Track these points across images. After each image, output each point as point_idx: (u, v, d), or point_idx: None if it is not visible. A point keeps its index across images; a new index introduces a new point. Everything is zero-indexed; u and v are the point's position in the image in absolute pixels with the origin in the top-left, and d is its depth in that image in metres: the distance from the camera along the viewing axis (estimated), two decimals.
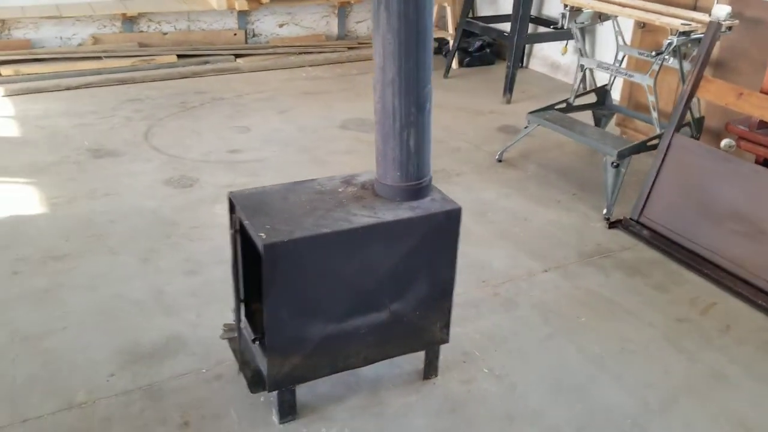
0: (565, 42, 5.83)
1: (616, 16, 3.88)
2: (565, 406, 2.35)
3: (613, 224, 3.52)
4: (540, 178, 4.11)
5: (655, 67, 3.57)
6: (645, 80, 3.65)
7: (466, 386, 2.43)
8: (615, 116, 4.59)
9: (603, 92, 4.32)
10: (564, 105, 4.23)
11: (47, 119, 4.81)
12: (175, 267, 3.08)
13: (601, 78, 4.60)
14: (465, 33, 6.02)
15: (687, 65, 3.48)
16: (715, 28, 3.18)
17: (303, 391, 2.34)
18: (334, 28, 6.89)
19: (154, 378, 2.40)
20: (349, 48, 6.72)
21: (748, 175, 3.00)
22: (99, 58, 5.79)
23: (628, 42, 4.48)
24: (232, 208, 2.15)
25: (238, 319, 2.07)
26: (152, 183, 3.91)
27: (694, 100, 3.42)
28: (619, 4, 3.86)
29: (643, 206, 3.42)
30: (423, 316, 2.27)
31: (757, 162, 3.12)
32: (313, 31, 6.82)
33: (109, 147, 4.38)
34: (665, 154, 3.34)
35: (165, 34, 6.17)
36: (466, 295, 2.94)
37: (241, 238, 2.10)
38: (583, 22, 4.02)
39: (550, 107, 4.19)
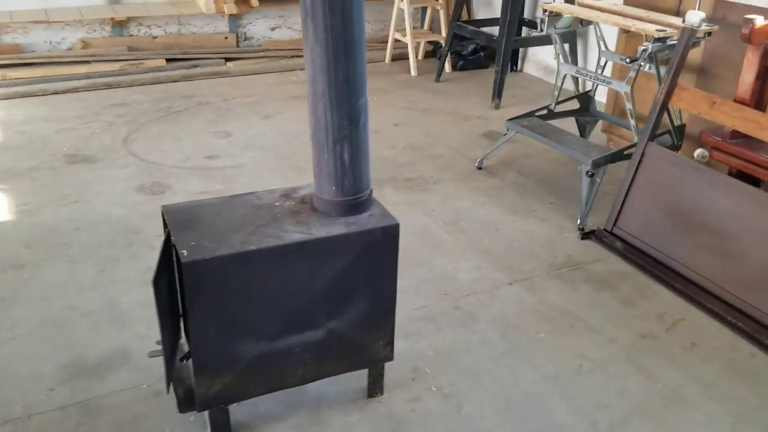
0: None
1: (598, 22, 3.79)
2: (510, 428, 2.27)
3: (586, 235, 3.43)
4: (518, 187, 4.03)
5: (632, 74, 3.47)
6: (622, 87, 3.55)
7: (411, 405, 2.36)
8: (601, 123, 4.49)
9: (586, 98, 4.23)
10: (545, 111, 4.14)
11: (29, 124, 4.81)
12: (134, 277, 3.04)
13: (591, 84, 4.50)
14: (459, 37, 5.94)
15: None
16: (688, 34, 3.08)
17: (242, 409, 2.29)
18: None
19: (94, 393, 2.36)
20: None
21: (720, 187, 2.90)
22: (87, 62, 5.79)
23: (613, 47, 4.39)
24: (165, 223, 2.10)
25: (163, 337, 2.01)
26: (124, 190, 3.88)
27: (676, 107, 3.32)
28: (599, 9, 3.76)
29: (617, 217, 3.32)
30: (364, 334, 2.21)
31: (730, 173, 3.02)
32: (301, 36, 6.75)
33: (87, 153, 4.36)
34: (639, 164, 3.24)
35: (155, 37, 6.16)
36: (427, 309, 2.87)
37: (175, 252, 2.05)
38: (563, 28, 3.93)
39: (531, 114, 4.11)
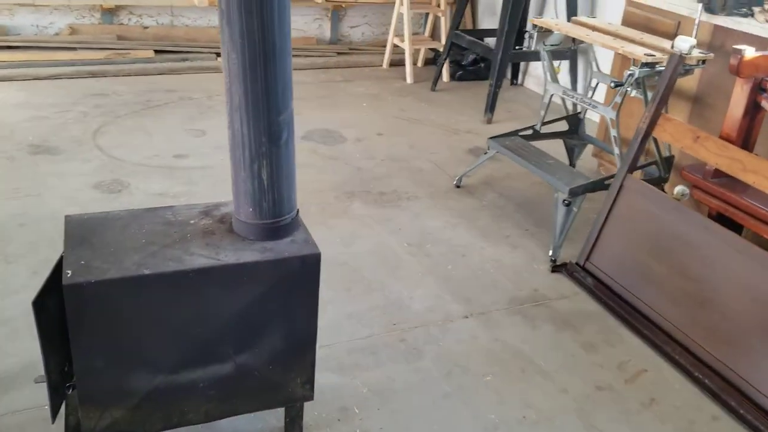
0: (558, 62, 5.49)
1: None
2: None
3: (557, 268, 3.21)
4: (496, 209, 3.81)
5: (618, 99, 3.24)
6: (608, 113, 3.32)
7: None
8: (592, 147, 4.26)
9: (576, 120, 4.00)
10: (530, 132, 3.92)
11: (1, 110, 4.66)
12: None
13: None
14: (460, 46, 5.72)
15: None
16: (676, 61, 2.85)
17: None
18: (326, 32, 6.66)
19: None
20: (339, 53, 6.47)
21: (698, 229, 2.67)
22: (73, 48, 5.65)
23: (609, 68, 4.16)
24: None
25: (47, 363, 1.83)
26: (81, 186, 3.71)
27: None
28: (591, 28, 3.54)
29: (590, 251, 3.10)
30: (278, 371, 2.01)
31: (710, 215, 2.79)
32: (304, 34, 6.59)
33: (52, 143, 4.20)
34: (616, 196, 3.02)
35: (146, 28, 6.00)
36: (370, 339, 2.67)
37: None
38: (553, 45, 3.70)
39: (514, 133, 3.89)
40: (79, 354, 1.76)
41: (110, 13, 5.85)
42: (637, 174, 3.24)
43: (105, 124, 4.59)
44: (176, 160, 4.13)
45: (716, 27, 3.34)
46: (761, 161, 2.51)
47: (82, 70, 5.48)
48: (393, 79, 6.10)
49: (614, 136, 3.31)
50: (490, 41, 5.37)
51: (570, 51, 4.83)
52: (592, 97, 3.66)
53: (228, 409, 2.03)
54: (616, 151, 3.33)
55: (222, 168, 4.05)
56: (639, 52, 3.03)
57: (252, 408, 2.07)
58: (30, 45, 5.54)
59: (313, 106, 5.24)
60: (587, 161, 4.39)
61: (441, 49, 6.14)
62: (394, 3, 6.14)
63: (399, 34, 6.17)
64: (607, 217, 3.04)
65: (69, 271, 1.70)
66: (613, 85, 3.21)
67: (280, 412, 2.17)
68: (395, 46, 6.27)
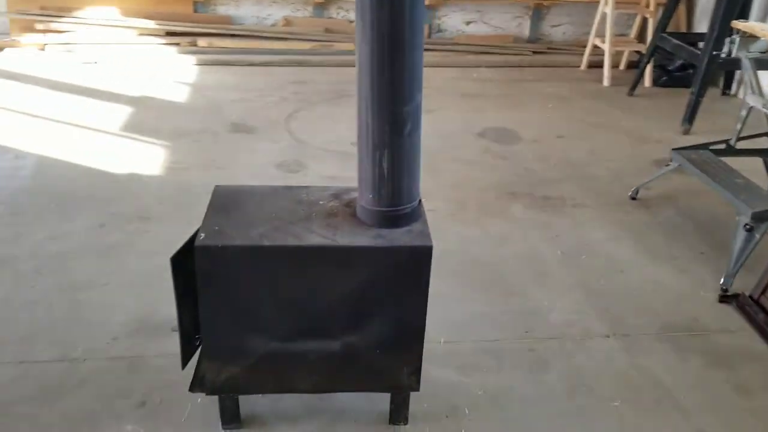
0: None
1: None
2: None
3: (726, 298, 2.87)
4: (671, 227, 3.50)
5: None
6: None
7: None
8: None
9: None
10: (723, 146, 3.54)
11: (214, 90, 5.23)
12: None
13: None
14: (666, 50, 5.30)
15: None
16: None
17: (264, 402, 2.27)
18: (525, 30, 6.54)
19: (145, 351, 2.48)
20: (535, 52, 6.33)
21: None
22: (285, 39, 6.14)
23: None
24: None
25: (181, 316, 2.03)
26: (266, 163, 4.05)
27: None
28: None
29: (767, 285, 2.73)
30: (385, 357, 2.05)
31: None
32: (502, 32, 6.53)
33: (250, 123, 4.63)
34: None
35: (351, 22, 6.34)
36: (498, 343, 2.61)
37: None
38: (758, 52, 3.30)
39: (705, 146, 3.54)
40: (205, 310, 1.95)
41: (321, 6, 6.27)
42: None
43: (299, 109, 4.94)
44: (352, 147, 4.30)
45: None
46: None
47: (290, 59, 5.95)
48: (588, 82, 5.83)
49: None
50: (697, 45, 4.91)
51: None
52: None
53: (335, 385, 2.12)
54: None
55: None
56: None
57: (357, 388, 2.14)
58: (248, 34, 6.12)
59: (495, 104, 5.19)
60: None
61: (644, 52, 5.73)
62: (599, 2, 5.85)
63: (601, 35, 5.87)
64: None
65: (203, 235, 1.89)
66: None
67: (389, 397, 2.21)
68: (595, 47, 5.97)
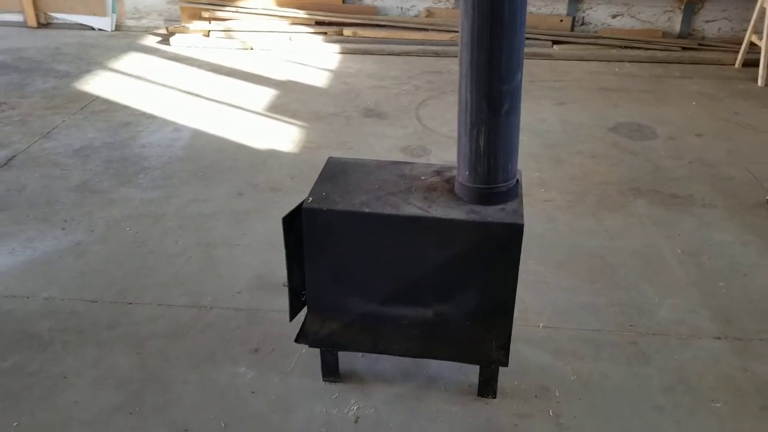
0: None
1: None
2: None
3: None
4: None
5: None
6: None
7: (516, 420, 2.21)
8: None
9: None
10: None
11: (354, 77, 5.50)
12: None
13: None
14: None
15: None
16: None
17: (363, 362, 2.43)
18: (676, 25, 6.24)
19: (264, 305, 2.73)
20: (685, 48, 6.02)
21: None
22: (425, 29, 6.30)
23: None
24: None
25: (290, 271, 2.23)
26: (391, 147, 4.23)
27: None
28: None
29: None
30: (475, 329, 2.14)
31: None
32: (651, 26, 6.28)
33: (382, 109, 4.83)
34: None
35: None
36: (598, 333, 2.60)
37: None
38: None
39: None
40: (310, 268, 2.14)
41: None
42: None
43: (430, 98, 5.08)
44: None
45: None
46: None
47: (428, 50, 6.11)
48: (739, 81, 5.47)
49: None
50: None
51: None
52: None
53: (426, 351, 2.24)
54: None
55: None
56: None
57: (448, 357, 2.24)
58: (392, 24, 6.34)
59: (633, 100, 5.03)
60: None
61: None
62: None
63: (759, 32, 5.48)
64: None
65: (311, 198, 2.08)
66: None
67: (479, 370, 2.30)
68: (752, 44, 5.58)
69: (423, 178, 2.20)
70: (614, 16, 6.30)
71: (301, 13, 6.36)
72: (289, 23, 6.40)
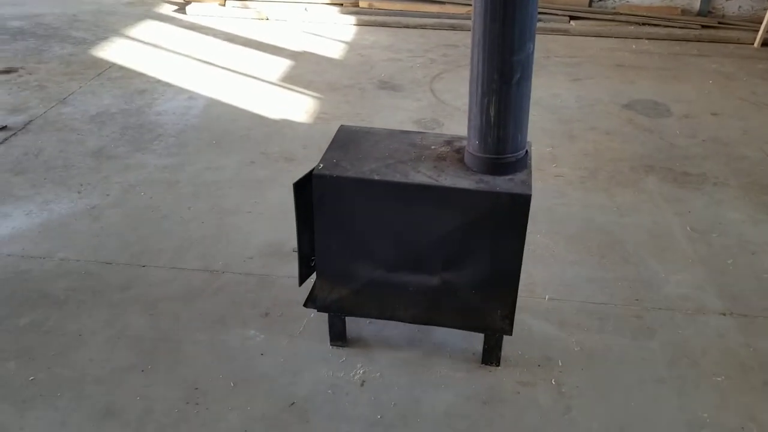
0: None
1: None
2: None
3: None
4: None
5: None
6: None
7: (518, 388, 2.25)
8: None
9: None
10: None
11: (369, 50, 5.48)
12: None
13: None
14: None
15: None
16: None
17: (370, 328, 2.48)
18: (695, 3, 6.15)
19: (274, 272, 2.78)
20: (704, 26, 5.94)
21: None
22: (442, 2, 6.25)
23: None
24: None
25: (300, 237, 2.26)
26: (405, 119, 4.24)
27: None
28: None
29: None
30: (480, 297, 2.17)
31: None
32: (671, 3, 6.19)
33: (397, 82, 4.83)
34: None
35: None
36: (604, 307, 2.62)
37: None
38: None
39: None
40: (319, 234, 2.17)
41: None
42: None
43: (444, 71, 5.07)
44: None
45: None
46: None
47: (444, 23, 6.07)
48: (758, 60, 5.40)
49: None
50: None
51: None
52: None
53: (432, 318, 2.27)
54: None
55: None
56: None
57: (453, 324, 2.28)
58: None
59: (649, 77, 4.98)
60: None
61: None
62: None
63: None
64: None
65: (321, 165, 2.10)
66: None
67: (483, 338, 2.33)
68: None
69: (433, 147, 2.22)
70: None
71: None
72: None
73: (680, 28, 5.93)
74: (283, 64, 5.12)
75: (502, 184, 2.02)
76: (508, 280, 2.13)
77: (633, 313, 2.59)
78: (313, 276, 2.33)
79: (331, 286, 2.26)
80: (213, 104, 4.38)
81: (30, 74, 4.79)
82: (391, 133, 2.32)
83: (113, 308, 2.56)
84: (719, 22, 5.99)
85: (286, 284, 2.70)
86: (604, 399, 2.21)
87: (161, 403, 2.16)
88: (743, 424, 2.12)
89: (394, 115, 4.29)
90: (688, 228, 3.13)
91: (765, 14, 5.63)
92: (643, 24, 5.99)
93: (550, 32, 5.94)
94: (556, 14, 6.10)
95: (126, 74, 4.85)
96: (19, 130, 3.95)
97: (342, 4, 6.28)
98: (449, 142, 2.26)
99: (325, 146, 2.27)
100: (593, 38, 5.89)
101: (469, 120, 2.07)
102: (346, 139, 2.27)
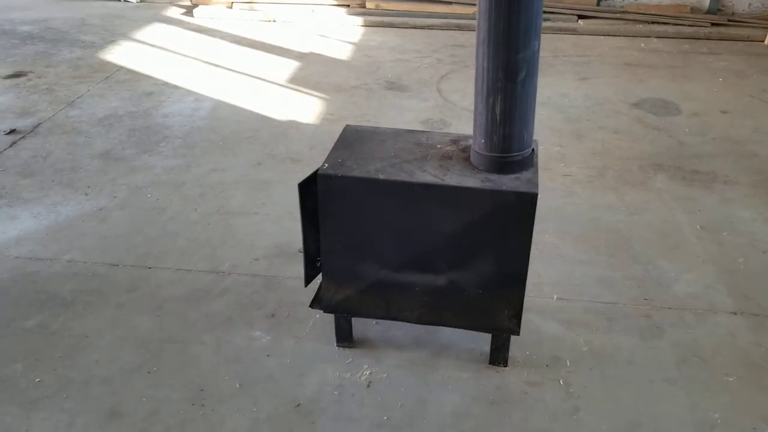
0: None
1: None
2: None
3: None
4: None
5: None
6: None
7: (526, 388, 2.23)
8: None
9: None
10: None
11: (376, 50, 5.47)
12: None
13: None
14: None
15: None
16: None
17: (376, 329, 2.46)
18: (705, 0, 6.10)
19: (281, 273, 2.77)
20: (714, 24, 5.89)
21: None
22: (449, 2, 6.23)
23: None
24: None
25: (306, 237, 2.25)
26: (412, 119, 4.22)
27: None
28: None
29: None
30: (487, 297, 2.15)
31: None
32: (680, 1, 6.14)
33: (404, 82, 4.82)
34: None
35: None
36: (612, 306, 2.60)
37: None
38: None
39: None
40: (325, 234, 2.16)
41: None
42: None
43: (452, 71, 5.05)
44: None
45: None
46: None
47: (451, 23, 6.05)
48: None
49: None
50: None
51: None
52: None
53: (438, 319, 2.26)
54: None
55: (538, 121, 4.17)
56: None
57: (460, 324, 2.26)
58: None
59: (658, 76, 4.94)
60: None
61: None
62: None
63: None
64: None
65: (326, 164, 2.09)
66: None
67: (491, 339, 2.31)
68: None
69: (439, 146, 2.20)
70: None
71: None
72: None
73: (689, 26, 5.89)
74: (290, 66, 5.12)
75: (508, 182, 2.00)
76: (516, 280, 2.11)
77: (642, 313, 2.57)
78: (319, 277, 2.32)
79: (337, 286, 2.25)
80: (220, 106, 4.38)
81: (39, 78, 4.81)
82: (397, 133, 2.31)
83: (120, 309, 2.56)
84: (729, 20, 5.94)
85: (293, 285, 2.69)
86: (613, 399, 2.19)
87: (167, 404, 2.16)
88: (755, 424, 2.09)
89: (401, 115, 4.28)
90: (698, 227, 3.10)
91: None
92: (652, 22, 5.95)
93: (559, 31, 5.91)
94: (564, 13, 6.07)
95: (133, 77, 4.86)
96: (28, 133, 3.97)
97: (349, 6, 6.28)
98: (455, 141, 2.24)
99: (328, 146, 2.26)
100: (602, 37, 5.86)
101: (475, 118, 2.05)
102: (351, 139, 2.26)
